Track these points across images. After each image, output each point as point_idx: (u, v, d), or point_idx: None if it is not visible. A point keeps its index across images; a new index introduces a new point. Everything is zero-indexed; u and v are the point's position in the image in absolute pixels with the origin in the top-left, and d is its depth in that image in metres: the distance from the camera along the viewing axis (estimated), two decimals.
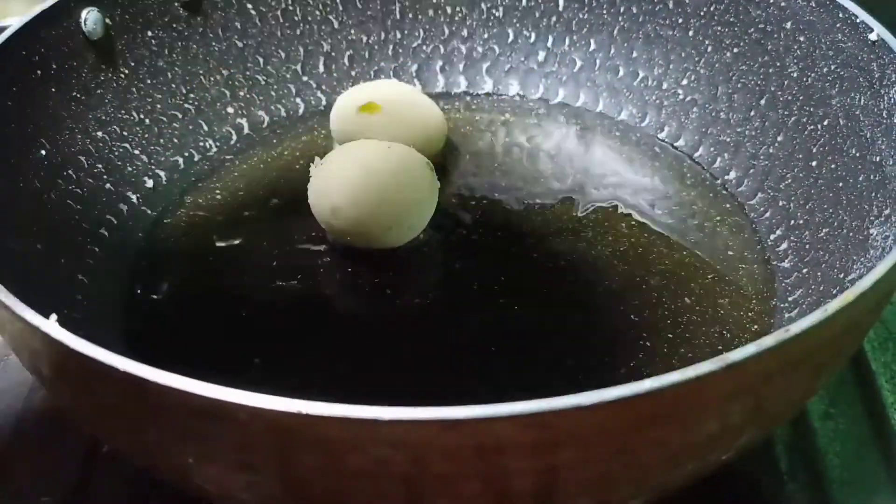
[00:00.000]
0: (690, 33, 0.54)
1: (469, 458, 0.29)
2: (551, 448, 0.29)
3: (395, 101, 0.52)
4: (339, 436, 0.28)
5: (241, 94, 0.56)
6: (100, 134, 0.50)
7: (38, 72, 0.47)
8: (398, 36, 0.58)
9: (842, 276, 0.41)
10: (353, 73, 0.58)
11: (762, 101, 0.50)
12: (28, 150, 0.46)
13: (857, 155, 0.44)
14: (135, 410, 0.31)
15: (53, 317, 0.31)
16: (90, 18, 0.49)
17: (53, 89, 0.47)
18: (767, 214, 0.49)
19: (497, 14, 0.58)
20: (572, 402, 0.28)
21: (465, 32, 0.59)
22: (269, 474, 0.30)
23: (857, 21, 0.45)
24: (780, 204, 0.48)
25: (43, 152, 0.46)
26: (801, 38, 0.48)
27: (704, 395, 0.30)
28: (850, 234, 0.42)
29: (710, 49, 0.53)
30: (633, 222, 0.50)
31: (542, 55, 0.58)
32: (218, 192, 0.52)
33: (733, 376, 0.29)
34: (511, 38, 0.58)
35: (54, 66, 0.48)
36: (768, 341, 0.29)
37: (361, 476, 0.29)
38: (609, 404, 0.28)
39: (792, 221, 0.47)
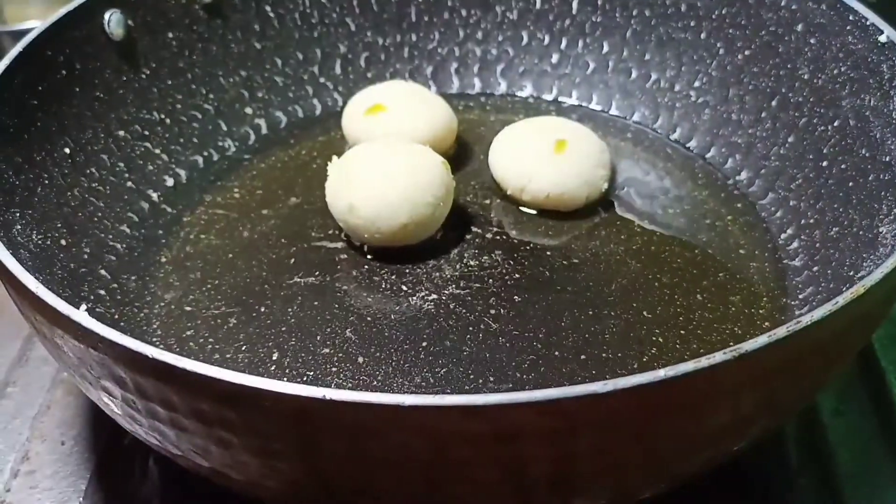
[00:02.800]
0: (702, 36, 0.54)
1: (488, 445, 0.30)
2: (568, 435, 0.30)
3: (404, 100, 0.53)
4: (362, 422, 0.29)
5: (260, 94, 0.57)
6: (122, 133, 0.51)
7: (63, 72, 0.48)
8: (414, 38, 0.59)
9: (852, 273, 0.42)
10: (369, 75, 0.59)
11: (773, 103, 0.51)
12: (53, 148, 0.46)
13: (867, 155, 0.45)
14: (161, 397, 0.31)
15: (83, 307, 0.32)
16: (113, 20, 0.50)
17: (77, 89, 0.48)
18: (779, 214, 0.49)
19: (511, 17, 0.59)
20: (589, 390, 0.28)
21: (479, 35, 0.59)
22: (292, 460, 0.31)
23: (867, 23, 0.46)
24: (791, 203, 0.49)
25: (67, 150, 0.47)
26: (812, 41, 0.49)
27: (718, 384, 0.30)
28: (860, 232, 0.43)
29: (721, 51, 0.54)
30: (646, 221, 0.50)
31: (555, 57, 0.59)
32: (236, 190, 0.53)
33: (746, 366, 0.30)
34: (525, 40, 0.59)
35: (78, 67, 0.49)
36: (780, 332, 0.30)
37: (383, 461, 0.30)
38: (625, 392, 0.28)
39: (802, 220, 0.47)
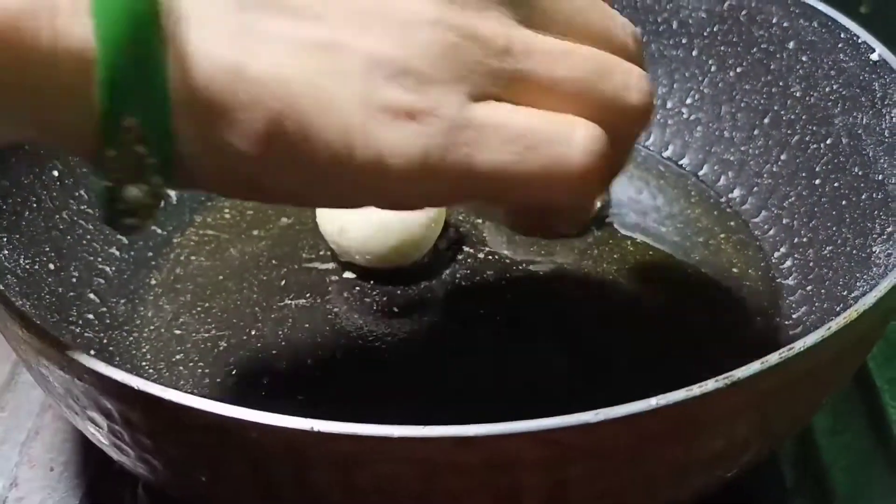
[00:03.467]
0: (694, 53, 0.54)
1: (479, 474, 0.29)
2: (560, 464, 0.29)
3: None
4: (352, 453, 0.28)
5: None
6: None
7: None
8: None
9: (845, 293, 0.42)
10: None
11: (765, 120, 0.51)
12: (41, 170, 0.46)
13: (860, 173, 0.45)
14: (149, 429, 0.31)
15: (69, 336, 0.32)
16: None
17: None
18: (772, 232, 0.49)
19: None
20: (581, 420, 0.28)
21: None
22: (281, 492, 0.31)
23: (859, 41, 0.46)
24: (785, 222, 0.48)
25: (55, 172, 0.47)
26: (804, 58, 0.49)
27: (710, 412, 0.30)
28: (854, 251, 0.43)
29: (713, 68, 0.54)
30: (638, 240, 0.50)
31: None
32: (227, 211, 0.53)
33: (738, 394, 0.30)
34: None
35: None
36: (772, 359, 0.30)
37: (373, 492, 0.30)
38: (617, 421, 0.28)
39: (796, 239, 0.47)
